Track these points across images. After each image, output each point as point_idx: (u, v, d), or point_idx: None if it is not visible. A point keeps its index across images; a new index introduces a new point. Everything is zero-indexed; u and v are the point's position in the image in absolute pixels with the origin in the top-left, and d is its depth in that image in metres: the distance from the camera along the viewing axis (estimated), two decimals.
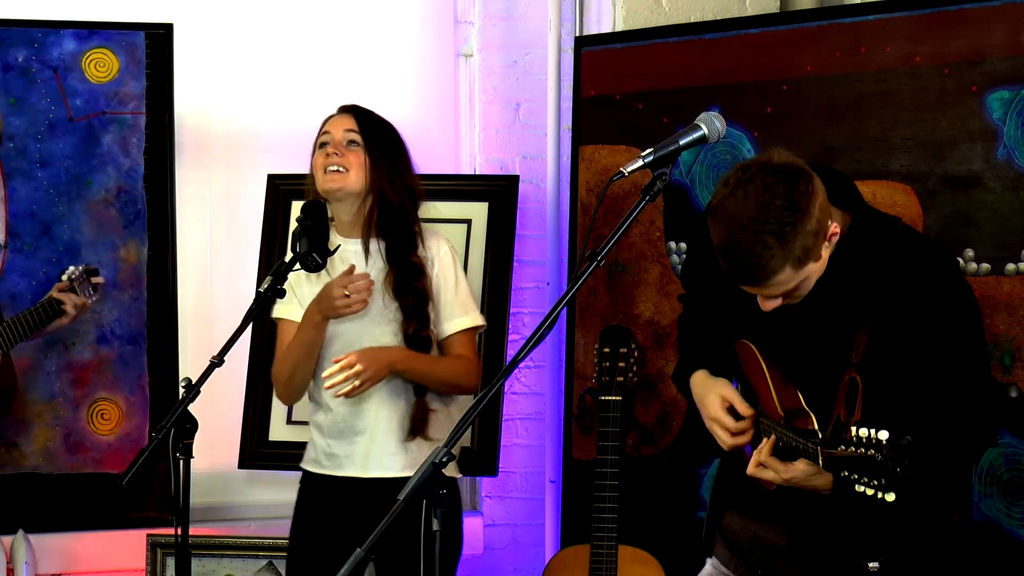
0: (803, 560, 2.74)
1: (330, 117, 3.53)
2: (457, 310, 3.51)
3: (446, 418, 3.50)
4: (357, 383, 3.33)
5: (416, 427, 3.44)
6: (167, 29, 4.24)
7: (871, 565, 2.61)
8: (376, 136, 3.47)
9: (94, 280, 3.92)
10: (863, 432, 2.35)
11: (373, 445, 3.45)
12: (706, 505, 3.16)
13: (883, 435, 2.32)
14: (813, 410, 2.59)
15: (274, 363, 3.58)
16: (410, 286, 3.43)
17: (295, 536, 3.57)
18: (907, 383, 2.59)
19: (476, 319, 3.54)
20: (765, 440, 2.63)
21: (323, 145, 3.46)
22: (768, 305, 2.61)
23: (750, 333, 2.76)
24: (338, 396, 3.37)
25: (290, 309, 3.53)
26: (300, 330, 3.45)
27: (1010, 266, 3.37)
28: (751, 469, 2.64)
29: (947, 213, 3.47)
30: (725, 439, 2.76)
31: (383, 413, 3.45)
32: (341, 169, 3.41)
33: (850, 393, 2.51)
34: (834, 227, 2.56)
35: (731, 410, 2.77)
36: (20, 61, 4.15)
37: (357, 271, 3.43)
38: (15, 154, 4.16)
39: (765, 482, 2.68)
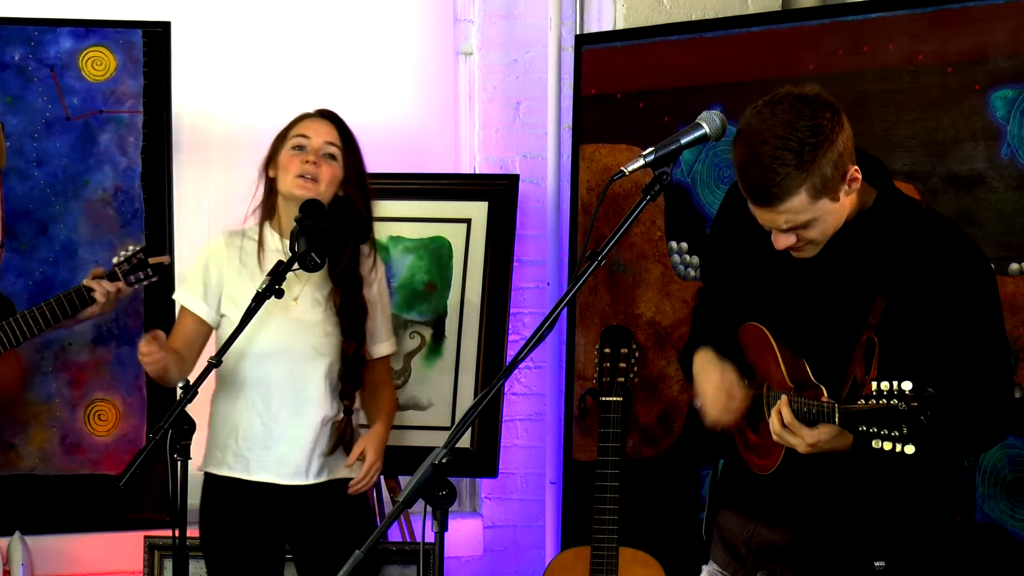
0: (805, 559, 2.73)
1: (307, 117, 3.49)
2: (384, 334, 3.57)
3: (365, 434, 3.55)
4: (374, 476, 3.48)
5: (340, 442, 3.44)
6: (165, 27, 4.22)
7: (877, 564, 2.60)
8: (352, 151, 3.46)
9: (153, 260, 3.72)
10: (884, 385, 2.35)
11: (292, 452, 3.41)
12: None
13: (907, 385, 2.32)
14: (823, 382, 2.58)
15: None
16: (354, 303, 3.45)
17: (209, 542, 3.48)
18: (924, 349, 2.58)
19: (393, 344, 3.65)
20: (780, 402, 2.60)
21: (299, 148, 3.42)
22: (781, 241, 2.59)
23: (762, 311, 2.75)
24: (356, 493, 3.46)
25: (194, 300, 3.47)
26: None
27: (1013, 266, 3.36)
28: (776, 430, 2.60)
29: (950, 212, 3.44)
30: (711, 415, 2.76)
31: (303, 421, 3.42)
32: (312, 178, 3.39)
33: (867, 352, 2.51)
34: (855, 171, 2.55)
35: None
36: (17, 59, 4.14)
37: (305, 277, 3.40)
38: (12, 153, 4.14)
39: (764, 468, 2.67)
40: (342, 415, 3.45)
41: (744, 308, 2.79)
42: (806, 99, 2.53)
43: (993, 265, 3.36)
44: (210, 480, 3.47)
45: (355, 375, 3.45)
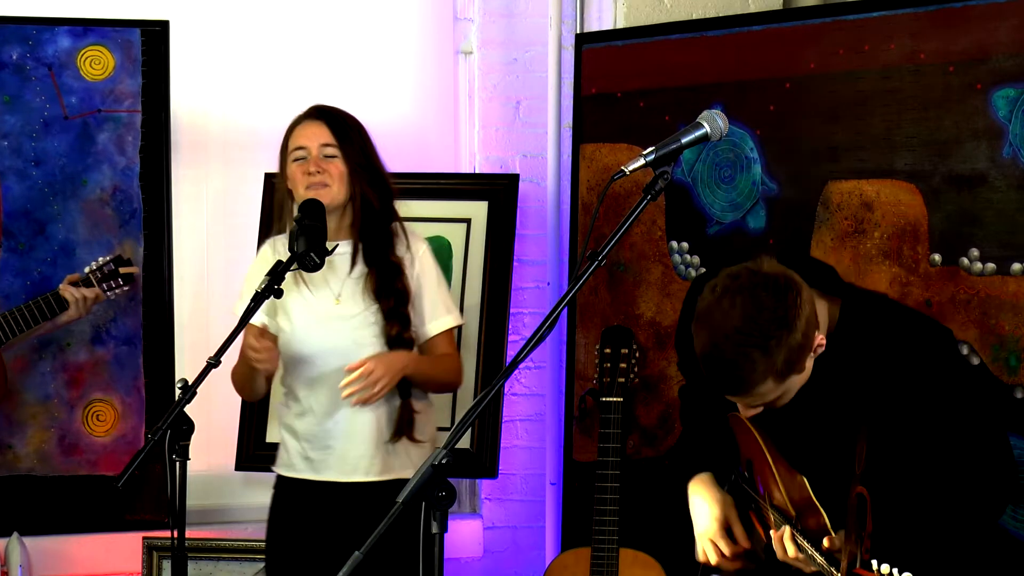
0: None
1: (299, 123, 3.49)
2: (440, 309, 3.53)
3: (428, 418, 3.54)
4: (375, 390, 3.34)
5: (402, 428, 3.45)
6: (163, 26, 4.21)
7: (882, 568, 2.58)
8: (351, 142, 3.46)
9: (124, 270, 3.88)
10: (884, 569, 2.32)
11: (352, 448, 3.45)
12: None
13: None
14: (822, 503, 2.56)
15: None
16: (391, 287, 3.44)
17: (273, 542, 3.56)
18: (915, 475, 2.58)
19: (458, 317, 3.58)
20: (784, 535, 2.61)
21: (300, 160, 3.44)
22: (747, 413, 2.59)
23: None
24: (355, 404, 3.37)
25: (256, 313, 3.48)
26: (237, 366, 3.47)
27: (1015, 265, 3.35)
28: (782, 558, 2.62)
29: (952, 212, 3.45)
30: (713, 559, 2.78)
31: (362, 416, 3.44)
32: (323, 185, 3.40)
33: (859, 510, 2.46)
34: (820, 339, 2.54)
35: (728, 532, 2.78)
36: (14, 59, 4.13)
37: (344, 274, 3.44)
38: (9, 152, 4.13)
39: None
40: (398, 400, 3.44)
41: (727, 403, 2.75)
42: (766, 284, 2.49)
43: (995, 265, 3.37)
44: (279, 482, 3.55)
45: None
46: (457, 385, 3.62)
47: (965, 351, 3.35)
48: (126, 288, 3.90)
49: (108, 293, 3.87)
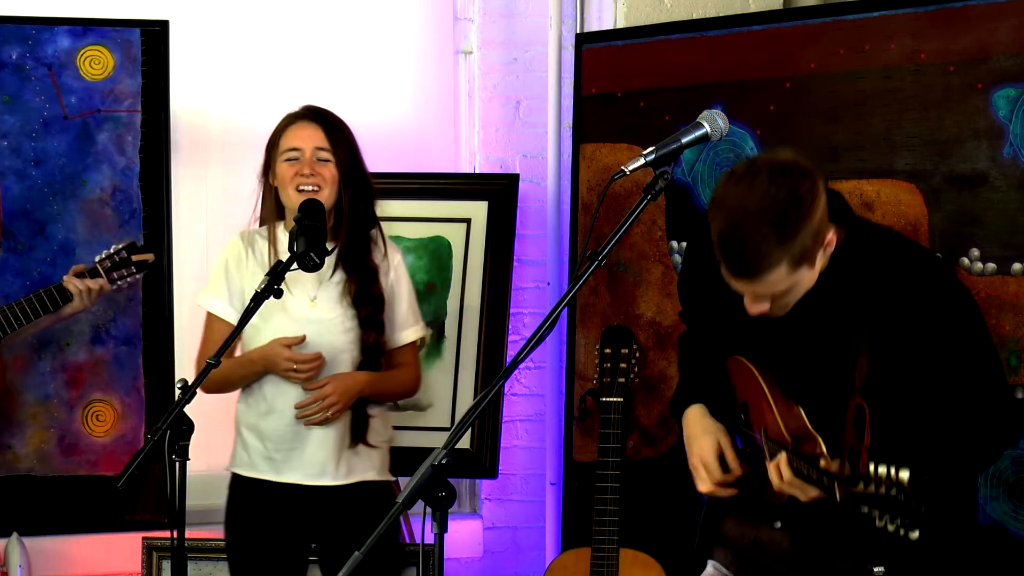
0: (806, 565, 2.71)
1: (292, 122, 3.48)
2: (410, 320, 3.56)
3: (382, 422, 3.54)
4: (328, 413, 3.38)
5: (357, 433, 3.45)
6: (163, 26, 4.21)
7: (876, 570, 2.58)
8: (343, 146, 3.46)
9: (137, 258, 3.79)
10: (882, 470, 2.32)
11: (319, 451, 3.44)
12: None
13: (904, 475, 2.30)
14: (819, 431, 2.56)
15: (198, 354, 3.54)
16: (369, 293, 3.45)
17: (233, 543, 3.53)
18: (915, 399, 2.57)
19: (423, 328, 3.63)
20: (780, 460, 2.59)
21: (292, 160, 3.43)
22: (754, 309, 2.58)
23: (745, 348, 2.73)
24: (309, 424, 3.39)
25: (222, 306, 3.50)
26: (239, 366, 3.47)
27: (1016, 265, 3.35)
28: (776, 484, 2.60)
29: (952, 212, 3.45)
30: (705, 485, 2.75)
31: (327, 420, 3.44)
32: (315, 188, 3.41)
33: (857, 420, 2.48)
34: (831, 235, 2.55)
35: (721, 459, 2.75)
36: (14, 58, 4.12)
37: (323, 278, 3.43)
38: (9, 152, 4.13)
39: (774, 498, 2.66)
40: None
41: (727, 341, 2.77)
42: (784, 169, 2.50)
43: (996, 265, 3.37)
44: (237, 481, 3.52)
45: (372, 365, 3.45)
46: (412, 394, 3.65)
47: None
48: (138, 276, 3.80)
49: (119, 282, 3.77)
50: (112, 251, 3.77)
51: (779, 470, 2.57)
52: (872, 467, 2.34)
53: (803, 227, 2.46)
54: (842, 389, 2.54)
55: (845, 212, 2.66)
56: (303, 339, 3.39)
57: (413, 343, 3.58)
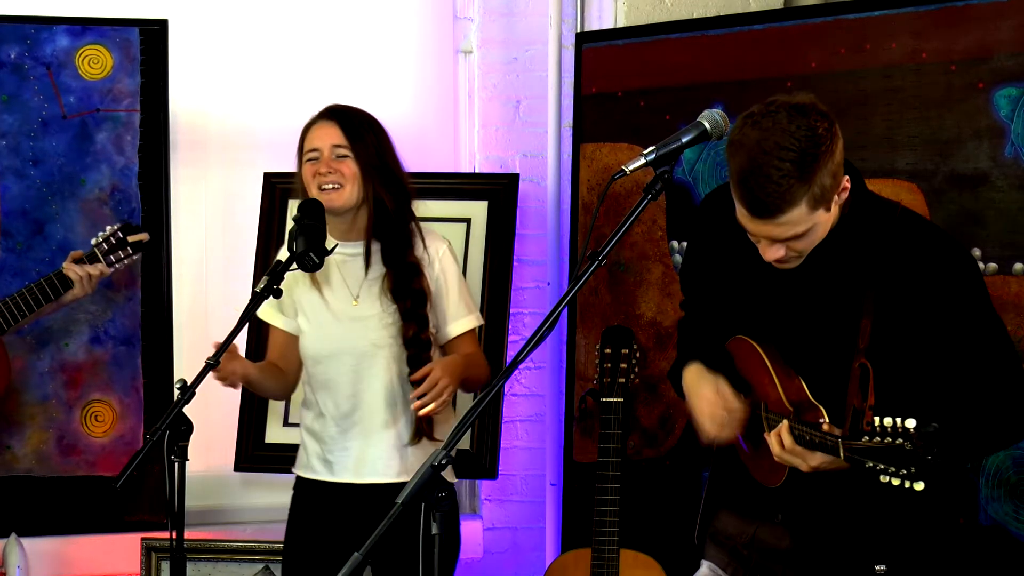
0: (806, 563, 2.70)
1: (313, 123, 3.47)
2: (462, 310, 3.52)
3: (447, 417, 3.51)
4: (444, 396, 3.34)
5: (422, 429, 3.43)
6: (162, 25, 4.21)
7: (878, 568, 2.58)
8: (364, 141, 3.44)
9: (132, 238, 3.81)
10: (887, 421, 2.32)
11: (368, 450, 3.44)
12: None
13: (911, 423, 2.29)
14: (821, 401, 2.56)
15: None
16: (408, 287, 3.42)
17: (290, 543, 3.57)
18: (919, 366, 2.57)
19: (479, 318, 3.58)
20: (781, 427, 2.58)
21: (312, 160, 3.42)
22: (770, 253, 2.57)
23: (747, 328, 2.73)
24: (424, 415, 3.35)
25: (272, 312, 3.54)
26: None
27: (1017, 265, 3.35)
28: (777, 453, 2.58)
29: (953, 212, 3.44)
30: (711, 427, 2.72)
31: (379, 418, 3.44)
32: (336, 185, 3.39)
33: (862, 380, 2.49)
34: (846, 180, 2.55)
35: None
36: (12, 58, 4.12)
37: (361, 276, 3.43)
38: (7, 152, 4.12)
39: (769, 482, 2.64)
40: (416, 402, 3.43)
41: (730, 322, 2.77)
42: (802, 108, 2.50)
43: (997, 265, 3.36)
44: (298, 483, 3.56)
45: (420, 359, 3.42)
46: (488, 380, 3.56)
47: None
48: (135, 257, 3.82)
49: (116, 265, 3.79)
50: (108, 232, 3.80)
51: (780, 437, 2.56)
52: (877, 420, 2.34)
53: (823, 165, 2.47)
54: (845, 353, 2.54)
55: (857, 179, 2.66)
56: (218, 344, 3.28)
57: (471, 332, 3.52)
